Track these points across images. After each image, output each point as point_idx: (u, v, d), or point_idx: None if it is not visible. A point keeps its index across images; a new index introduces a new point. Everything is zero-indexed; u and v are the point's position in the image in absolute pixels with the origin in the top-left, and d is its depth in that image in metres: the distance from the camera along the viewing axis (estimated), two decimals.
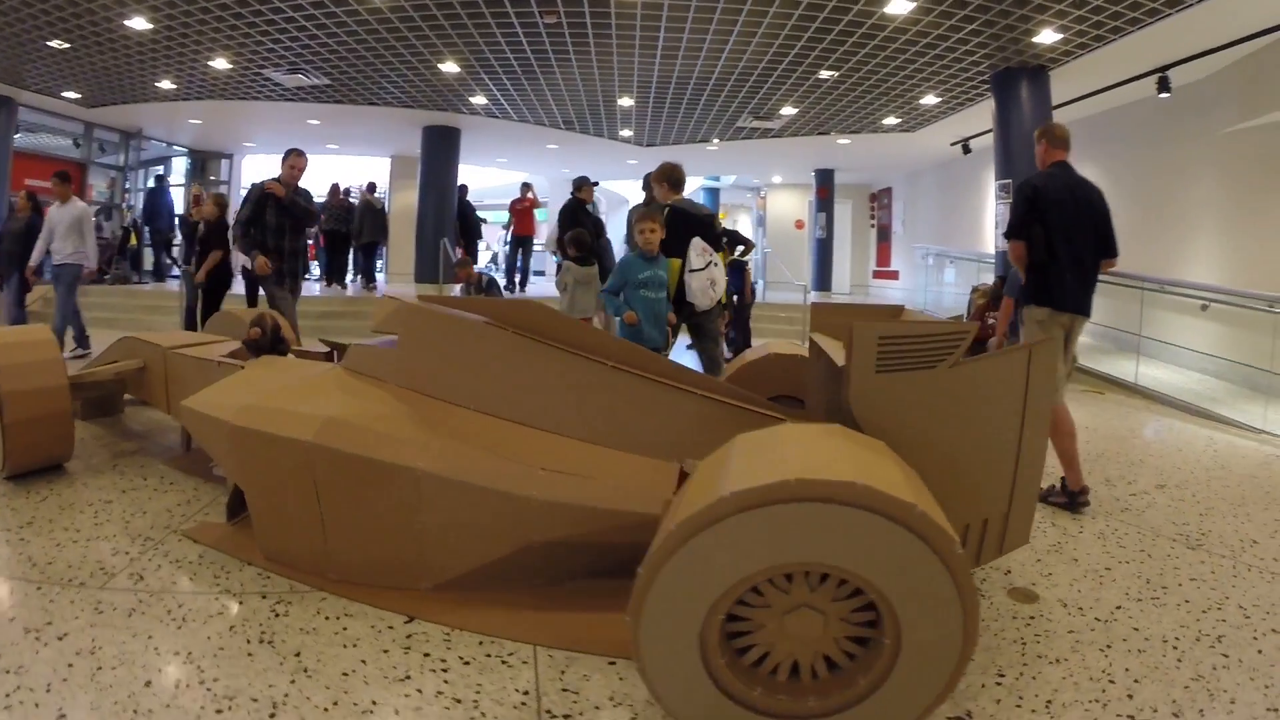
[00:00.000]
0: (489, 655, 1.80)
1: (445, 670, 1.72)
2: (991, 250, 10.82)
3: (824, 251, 14.58)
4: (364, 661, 1.75)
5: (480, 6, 5.56)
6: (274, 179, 4.41)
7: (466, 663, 1.76)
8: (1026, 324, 3.13)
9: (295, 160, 4.50)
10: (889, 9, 5.24)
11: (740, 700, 1.44)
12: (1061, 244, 2.97)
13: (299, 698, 1.60)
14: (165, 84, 7.85)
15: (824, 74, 7.31)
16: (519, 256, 10.44)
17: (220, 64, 7.01)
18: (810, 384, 2.71)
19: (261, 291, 6.70)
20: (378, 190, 11.06)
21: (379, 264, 11.28)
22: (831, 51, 6.49)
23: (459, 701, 1.61)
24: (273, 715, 1.54)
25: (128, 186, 9.95)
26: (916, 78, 7.34)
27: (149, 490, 2.87)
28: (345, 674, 1.70)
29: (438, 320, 2.43)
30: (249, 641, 1.82)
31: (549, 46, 6.53)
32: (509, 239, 10.86)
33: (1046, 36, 5.69)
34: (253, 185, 4.47)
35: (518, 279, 10.16)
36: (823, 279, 13.97)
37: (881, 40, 6.07)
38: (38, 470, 2.93)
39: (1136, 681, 1.77)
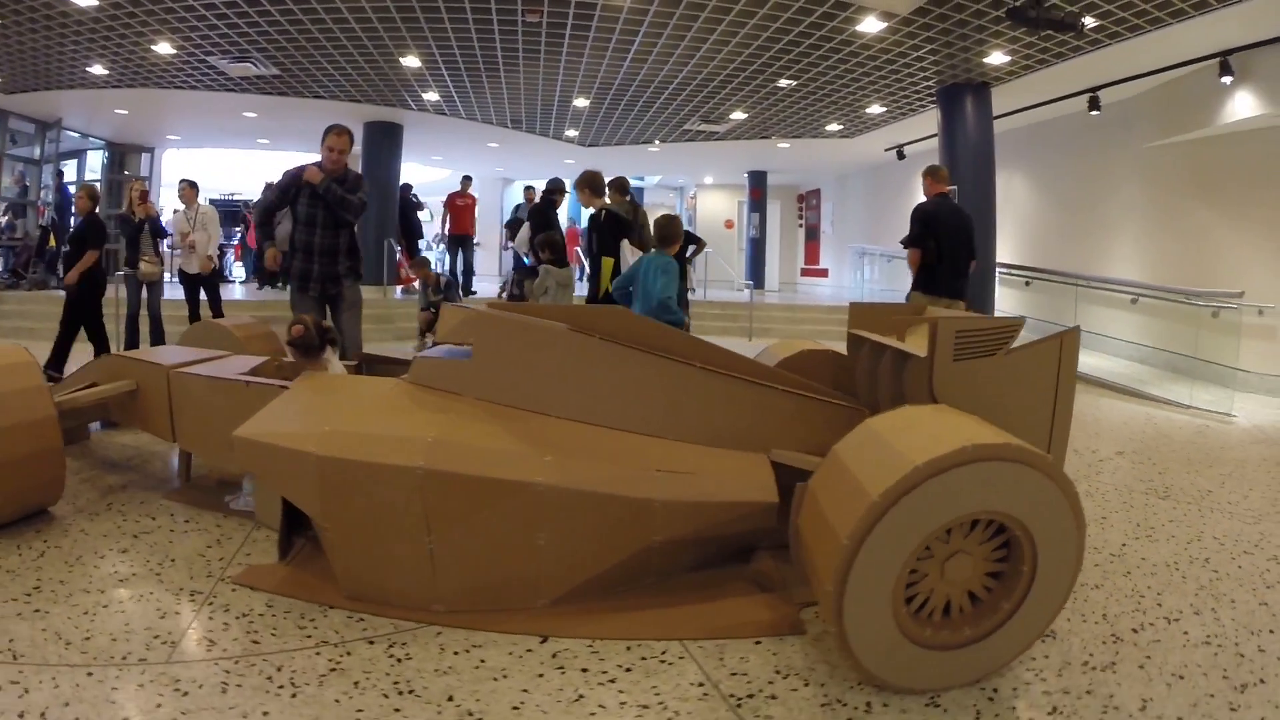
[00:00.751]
0: (644, 659, 1.86)
1: (613, 681, 1.75)
2: None
3: (758, 250, 15.45)
4: (526, 691, 1.70)
5: (457, 0, 5.64)
6: (314, 164, 3.79)
7: (628, 669, 1.81)
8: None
9: (334, 140, 3.71)
10: (860, 27, 5.80)
11: (919, 642, 1.77)
12: (946, 252, 4.47)
13: None
14: (97, 69, 7.40)
15: (783, 82, 7.86)
16: (459, 256, 10.36)
17: (164, 48, 6.69)
18: (859, 374, 3.08)
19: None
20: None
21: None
22: (795, 62, 7.02)
23: (646, 708, 1.65)
24: None
25: (46, 182, 9.21)
26: (869, 89, 8.03)
27: (164, 532, 2.59)
28: (516, 708, 1.64)
29: (517, 329, 2.47)
30: (387, 696, 1.66)
31: (520, 45, 6.68)
32: (444, 237, 10.77)
33: (995, 58, 6.46)
34: (286, 171, 3.89)
35: (459, 281, 10.03)
36: (757, 277, 14.74)
37: (846, 54, 6.66)
38: (15, 520, 2.54)
39: (1159, 594, 2.35)
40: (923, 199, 4.76)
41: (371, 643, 1.90)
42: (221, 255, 10.53)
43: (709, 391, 2.47)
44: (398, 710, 1.61)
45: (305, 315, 3.09)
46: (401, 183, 10.50)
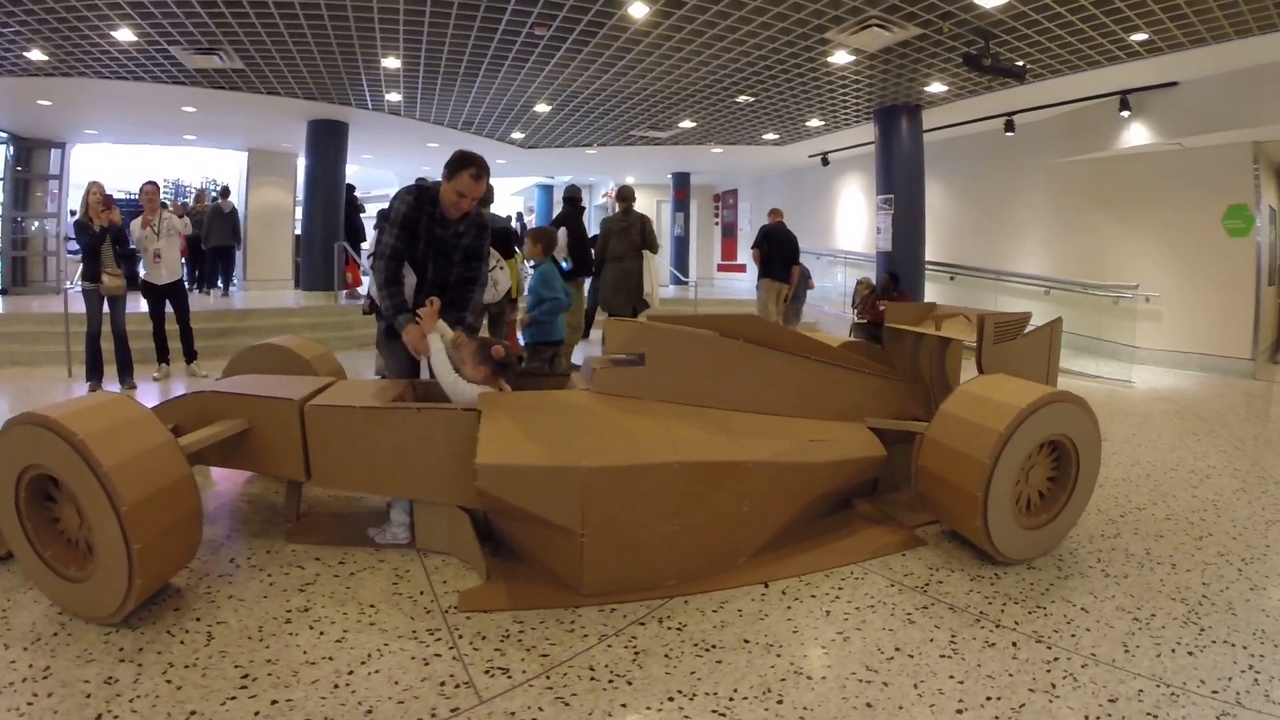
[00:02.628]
0: (842, 580, 2.67)
1: (837, 598, 2.51)
2: (842, 247, 13.79)
3: (682, 248, 16.88)
4: (790, 620, 2.35)
5: (450, 6, 5.86)
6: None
7: (839, 587, 2.60)
8: (760, 290, 8.51)
9: (470, 186, 3.07)
10: (831, 59, 7.07)
11: (1023, 527, 2.84)
12: (776, 255, 8.22)
13: (894, 669, 2.04)
14: (35, 54, 7.10)
15: (741, 99, 9.07)
16: None
17: (124, 35, 6.52)
18: (896, 357, 4.20)
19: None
20: (230, 194, 10.94)
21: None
22: (760, 83, 8.22)
23: (872, 607, 2.46)
24: (918, 684, 1.97)
25: None
26: (815, 106, 9.41)
27: (332, 579, 2.62)
28: (795, 632, 2.28)
29: (681, 338, 3.08)
30: (702, 656, 2.11)
31: (511, 52, 7.24)
32: None
33: (934, 87, 7.97)
34: (401, 193, 3.18)
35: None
36: (682, 273, 16.13)
37: (808, 79, 7.93)
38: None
39: (1128, 496, 3.70)
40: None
41: (643, 624, 2.33)
42: (191, 265, 10.46)
43: (819, 377, 3.41)
44: (720, 662, 2.12)
45: (491, 339, 3.13)
46: (347, 183, 10.82)
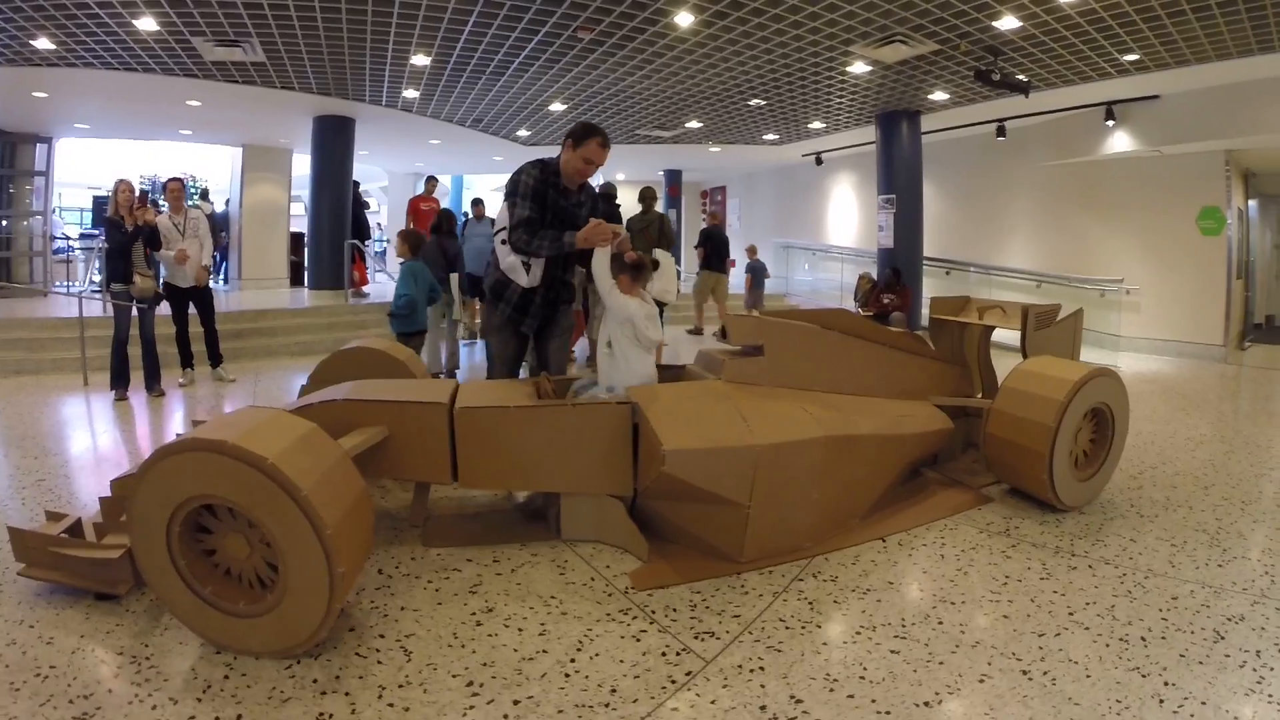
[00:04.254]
0: (940, 532, 3.26)
1: (943, 544, 3.12)
2: (833, 243, 14.69)
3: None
4: (917, 563, 2.92)
5: (500, 6, 6.06)
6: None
7: (942, 537, 3.21)
8: (699, 279, 10.51)
9: (598, 153, 3.37)
10: (850, 69, 7.77)
11: (1077, 480, 3.57)
12: (714, 251, 10.28)
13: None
14: (43, 42, 6.92)
15: (754, 102, 9.74)
16: None
17: (147, 24, 6.44)
18: (941, 344, 4.88)
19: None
20: (209, 195, 11.11)
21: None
22: (776, 88, 8.89)
23: (974, 548, 3.06)
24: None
25: None
26: (820, 109, 10.13)
27: (505, 577, 2.76)
28: (925, 571, 2.82)
29: (792, 331, 3.61)
30: (863, 596, 2.64)
31: (547, 53, 7.65)
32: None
33: (937, 95, 8.75)
34: (525, 167, 3.39)
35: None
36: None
37: (822, 86, 8.63)
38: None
39: (1141, 458, 4.37)
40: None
41: (801, 580, 2.77)
42: (216, 264, 10.60)
43: (895, 362, 4.07)
44: (880, 600, 2.60)
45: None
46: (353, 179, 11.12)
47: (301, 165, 12.82)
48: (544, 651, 2.24)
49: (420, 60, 7.93)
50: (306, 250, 11.29)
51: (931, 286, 10.90)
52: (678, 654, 2.24)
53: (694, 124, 11.42)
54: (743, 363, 3.47)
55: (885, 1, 5.71)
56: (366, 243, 11.54)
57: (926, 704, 1.99)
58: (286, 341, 8.33)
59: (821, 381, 3.67)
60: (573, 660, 2.18)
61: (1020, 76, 7.06)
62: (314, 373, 3.99)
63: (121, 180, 5.98)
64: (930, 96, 8.85)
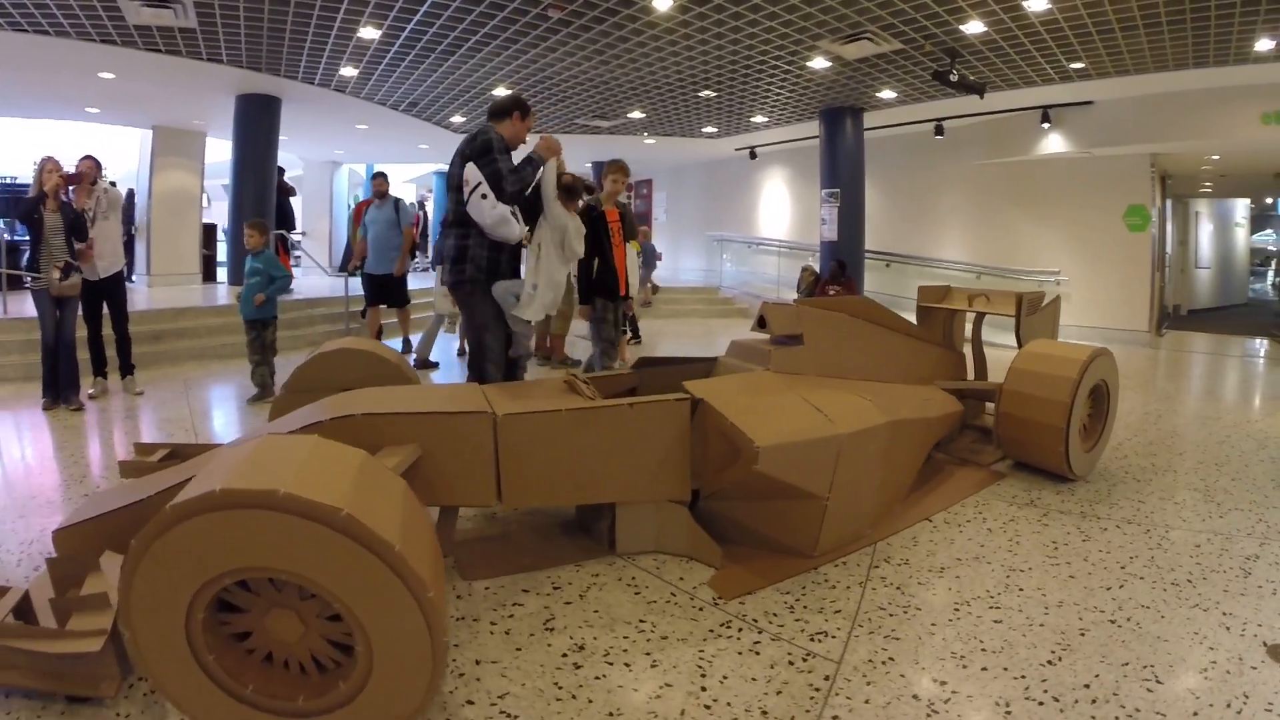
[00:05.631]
0: (974, 508, 3.55)
1: (984, 520, 3.40)
2: (763, 235, 15.34)
3: None
4: (970, 538, 3.19)
5: None
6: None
7: (979, 511, 3.49)
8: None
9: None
10: (810, 64, 8.20)
11: (1084, 451, 4.04)
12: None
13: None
14: None
15: (705, 94, 10.06)
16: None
17: None
18: (932, 330, 5.32)
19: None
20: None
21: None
22: (730, 81, 9.23)
23: (1011, 520, 3.44)
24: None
25: None
26: (767, 104, 10.57)
27: (576, 605, 2.57)
28: (982, 545, 3.06)
29: (828, 320, 3.87)
30: (950, 566, 3.16)
31: (508, 32, 7.52)
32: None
33: (886, 94, 9.34)
34: (486, 130, 3.68)
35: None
36: None
37: (777, 79, 9.03)
38: None
39: (1125, 423, 4.93)
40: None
41: (877, 566, 2.90)
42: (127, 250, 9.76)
43: (909, 349, 4.44)
44: (958, 576, 2.81)
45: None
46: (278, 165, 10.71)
47: (215, 150, 12.21)
48: (667, 685, 2.08)
49: (369, 33, 7.64)
50: (226, 242, 10.73)
51: (873, 280, 11.59)
52: (804, 660, 2.24)
53: (636, 114, 11.64)
54: (788, 352, 3.66)
55: None
56: (292, 234, 11.11)
57: (1049, 663, 2.25)
58: (211, 344, 7.85)
59: (855, 369, 3.93)
60: (704, 689, 2.07)
61: (969, 77, 7.67)
62: (290, 380, 3.61)
63: (48, 158, 5.43)
64: (879, 95, 9.43)
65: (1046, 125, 9.23)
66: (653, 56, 8.29)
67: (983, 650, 2.32)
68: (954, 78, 7.22)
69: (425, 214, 17.72)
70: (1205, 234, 14.36)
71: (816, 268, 11.45)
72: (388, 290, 7.62)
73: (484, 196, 3.51)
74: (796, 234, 14.22)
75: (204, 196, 12.28)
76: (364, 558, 1.62)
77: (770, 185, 15.33)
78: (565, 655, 2.25)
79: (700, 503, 3.00)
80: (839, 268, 10.54)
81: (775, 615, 2.51)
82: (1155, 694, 2.10)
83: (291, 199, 11.17)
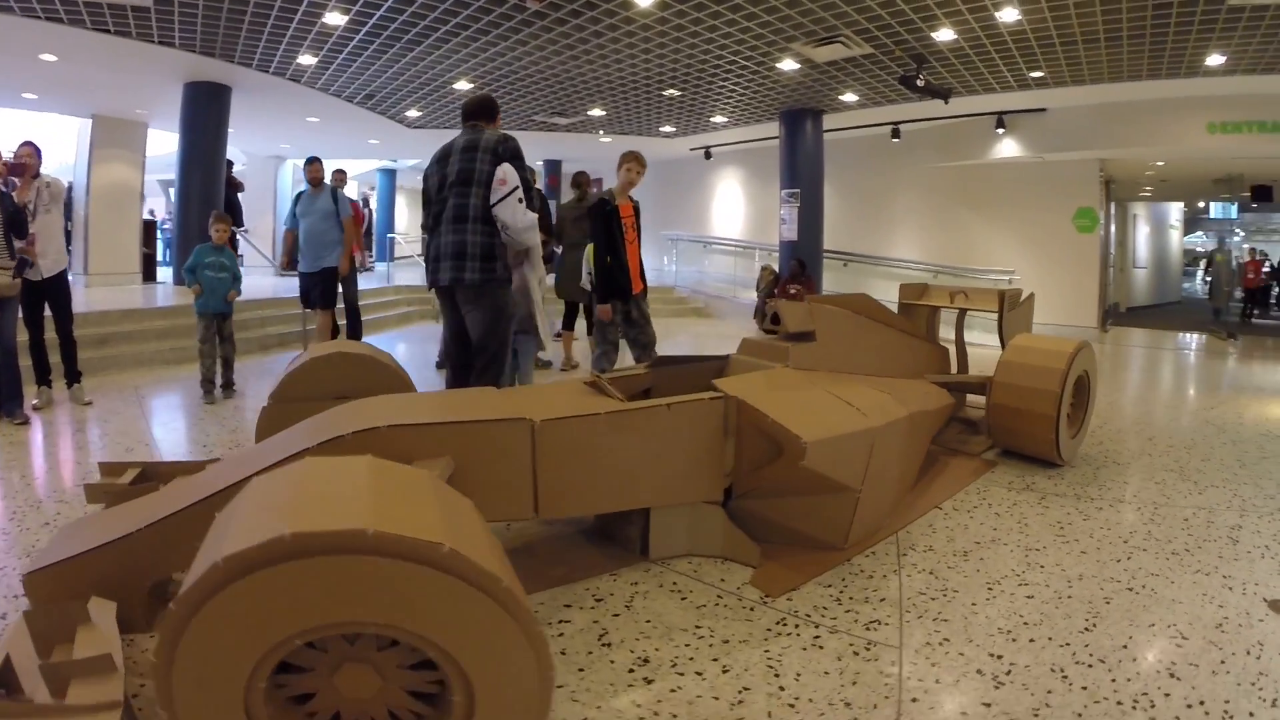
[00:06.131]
0: (976, 495, 3.72)
1: (989, 506, 3.58)
2: (716, 235, 15.66)
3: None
4: (981, 523, 3.54)
5: None
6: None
7: (980, 497, 3.71)
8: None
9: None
10: (780, 65, 8.47)
11: (1070, 438, 4.37)
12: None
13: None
14: None
15: (669, 92, 10.25)
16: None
17: None
18: (914, 326, 5.60)
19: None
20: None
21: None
22: (697, 81, 9.45)
23: (1013, 505, 3.65)
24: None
25: None
26: (730, 104, 10.83)
27: (624, 617, 2.53)
28: (996, 529, 3.24)
29: (838, 317, 4.03)
30: (977, 544, 3.52)
31: (482, 22, 7.54)
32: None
33: (848, 97, 9.70)
34: (510, 135, 3.76)
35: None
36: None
37: (744, 80, 9.29)
38: None
39: (1100, 405, 5.32)
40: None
41: (905, 554, 3.02)
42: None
43: (903, 344, 4.68)
44: (982, 559, 2.98)
45: None
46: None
47: (157, 143, 11.79)
48: (745, 689, 2.10)
49: (334, 19, 7.54)
50: (173, 239, 10.38)
51: (831, 279, 11.98)
52: (867, 649, 2.32)
53: (597, 112, 11.77)
54: (805, 349, 3.79)
55: (843, 2, 6.38)
56: (240, 230, 10.82)
57: (1086, 630, 2.46)
58: (160, 348, 7.41)
59: (861, 365, 4.10)
60: (782, 689, 2.10)
61: (941, 83, 8.07)
62: (279, 390, 3.35)
63: None
64: (841, 97, 9.79)
65: (1001, 131, 9.77)
66: (624, 54, 8.44)
67: (1025, 624, 2.51)
68: (920, 83, 7.58)
69: (371, 210, 17.43)
70: (1142, 236, 15.39)
71: (775, 267, 11.78)
72: (320, 288, 6.78)
73: (520, 200, 3.60)
74: (751, 233, 14.56)
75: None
76: (469, 596, 1.48)
77: (724, 185, 15.65)
78: (632, 671, 2.20)
79: (731, 502, 3.01)
80: (799, 267, 10.86)
81: (825, 609, 2.58)
82: (1184, 648, 2.34)
83: (240, 194, 10.82)
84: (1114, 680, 2.16)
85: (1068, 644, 2.37)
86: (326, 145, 14.50)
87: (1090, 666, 2.24)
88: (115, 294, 9.52)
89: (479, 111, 3.90)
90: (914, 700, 2.06)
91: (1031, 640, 2.40)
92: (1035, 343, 4.49)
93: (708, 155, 14.89)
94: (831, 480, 2.83)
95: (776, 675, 2.18)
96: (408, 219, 22.66)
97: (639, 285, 4.98)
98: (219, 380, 5.78)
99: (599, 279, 4.88)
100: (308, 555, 1.38)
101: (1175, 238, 17.18)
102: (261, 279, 12.76)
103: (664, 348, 5.76)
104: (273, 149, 14.95)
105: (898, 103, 9.68)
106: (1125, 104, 8.58)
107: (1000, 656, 2.30)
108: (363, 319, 7.83)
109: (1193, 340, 10.91)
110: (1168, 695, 2.09)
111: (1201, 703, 2.06)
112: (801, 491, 2.91)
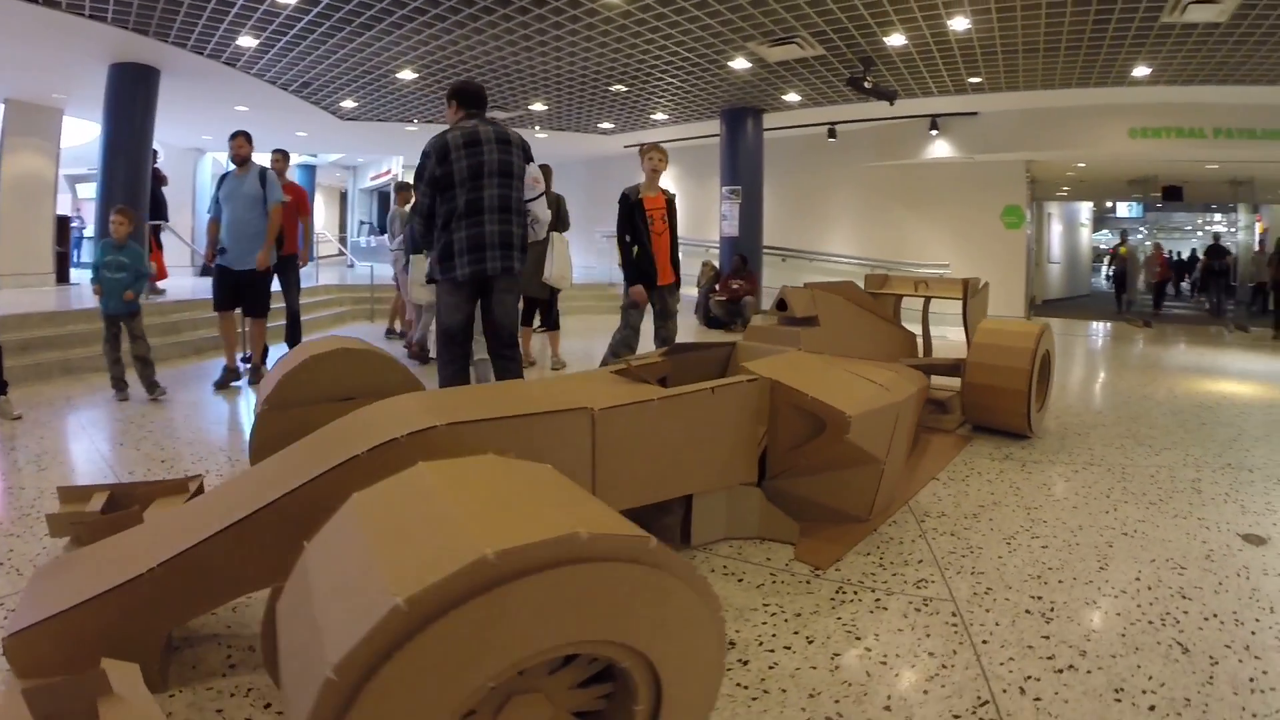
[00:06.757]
0: (962, 468, 4.24)
1: (980, 474, 4.22)
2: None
3: None
4: (982, 489, 4.33)
5: None
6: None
7: (966, 466, 4.28)
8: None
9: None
10: (732, 64, 8.82)
11: (1037, 412, 4.85)
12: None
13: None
14: None
15: (615, 88, 10.46)
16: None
17: None
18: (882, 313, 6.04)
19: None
20: None
21: None
22: (644, 77, 9.69)
23: (1000, 472, 4.31)
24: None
25: None
26: (673, 102, 11.13)
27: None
28: (992, 494, 4.23)
29: (835, 304, 4.45)
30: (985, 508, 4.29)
31: (440, 6, 7.47)
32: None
33: (791, 97, 10.16)
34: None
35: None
36: None
37: (694, 77, 9.60)
38: None
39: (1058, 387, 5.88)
40: None
41: (922, 521, 3.29)
42: None
43: (882, 330, 5.09)
44: (991, 519, 3.30)
45: None
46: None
47: (72, 132, 11.14)
48: (837, 655, 2.24)
49: None
50: (95, 234, 9.83)
51: (769, 274, 12.47)
52: (926, 604, 2.53)
53: (538, 106, 11.85)
54: (812, 333, 4.11)
55: (804, 3, 6.75)
56: (166, 226, 10.36)
57: (1101, 569, 2.83)
58: (87, 354, 6.69)
59: (853, 348, 4.43)
60: (868, 650, 2.26)
61: (888, 85, 8.60)
62: (273, 394, 3.11)
63: None
64: (784, 97, 10.24)
65: (935, 132, 10.47)
66: (579, 47, 8.60)
67: (1049, 569, 2.85)
68: (868, 84, 8.07)
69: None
70: (1056, 233, 16.65)
71: (716, 263, 12.16)
72: (251, 291, 5.94)
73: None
74: (685, 230, 14.84)
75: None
76: (672, 589, 1.39)
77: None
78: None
79: (765, 482, 3.09)
80: (741, 262, 11.28)
81: (873, 574, 2.76)
82: (1186, 576, 2.74)
83: (164, 188, 10.34)
84: (1139, 606, 2.52)
85: (1091, 581, 2.72)
86: (253, 134, 13.98)
87: (1116, 598, 2.59)
88: (30, 296, 8.86)
89: (482, 101, 4.02)
90: (984, 642, 2.30)
91: (1060, 581, 2.73)
92: (1004, 326, 4.95)
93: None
94: (865, 452, 3.00)
95: (858, 639, 2.33)
96: (325, 217, 21.99)
97: (668, 276, 5.14)
98: (140, 382, 5.45)
99: (625, 266, 5.10)
100: (518, 576, 1.19)
101: (1085, 235, 18.71)
102: (181, 280, 12.17)
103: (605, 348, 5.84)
104: (194, 140, 14.29)
105: (837, 103, 10.22)
106: (1053, 109, 9.39)
107: (1040, 598, 2.61)
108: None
109: (1112, 328, 11.96)
110: (1186, 612, 2.47)
111: (1215, 615, 2.45)
112: (835, 466, 3.07)
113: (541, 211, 3.95)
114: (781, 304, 4.33)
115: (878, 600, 2.58)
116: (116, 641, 1.72)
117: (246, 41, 8.64)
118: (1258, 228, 14.42)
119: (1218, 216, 20.24)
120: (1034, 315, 12.65)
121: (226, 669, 2.07)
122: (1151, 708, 1.95)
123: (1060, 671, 2.11)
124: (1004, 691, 2.01)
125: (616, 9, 7.28)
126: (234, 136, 6.00)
